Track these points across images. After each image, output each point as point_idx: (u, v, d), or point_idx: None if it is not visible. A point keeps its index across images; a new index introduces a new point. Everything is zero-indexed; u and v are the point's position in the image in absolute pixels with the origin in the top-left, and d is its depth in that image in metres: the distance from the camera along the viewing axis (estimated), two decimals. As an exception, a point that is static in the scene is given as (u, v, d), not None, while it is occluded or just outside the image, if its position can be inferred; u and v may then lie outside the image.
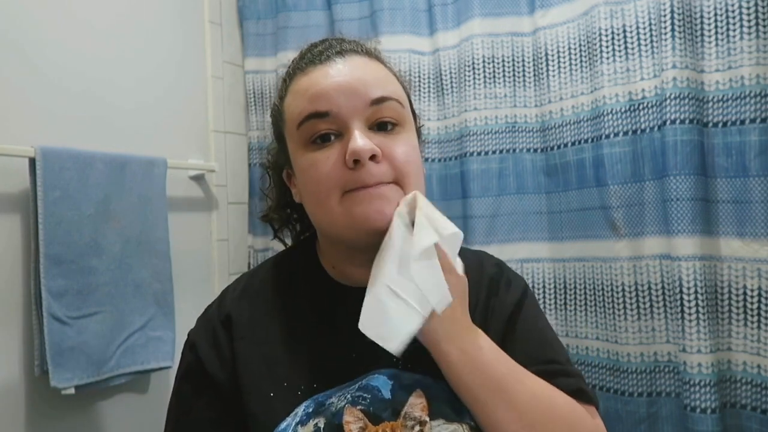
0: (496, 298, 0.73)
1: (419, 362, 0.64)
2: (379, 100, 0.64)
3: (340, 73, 0.65)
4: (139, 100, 1.46)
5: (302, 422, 0.62)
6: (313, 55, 0.67)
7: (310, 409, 0.63)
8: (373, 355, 0.63)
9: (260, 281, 0.75)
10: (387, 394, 0.63)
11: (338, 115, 0.63)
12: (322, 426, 0.62)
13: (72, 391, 1.18)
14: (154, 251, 1.39)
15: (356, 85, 0.64)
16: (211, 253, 1.68)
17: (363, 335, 0.62)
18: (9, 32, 1.19)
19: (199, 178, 1.64)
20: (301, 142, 0.65)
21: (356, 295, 0.61)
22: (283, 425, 0.62)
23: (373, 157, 0.62)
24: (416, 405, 0.63)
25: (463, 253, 0.75)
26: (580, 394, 0.66)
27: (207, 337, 0.71)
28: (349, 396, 0.63)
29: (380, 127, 0.65)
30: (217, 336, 0.70)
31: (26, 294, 1.19)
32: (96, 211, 1.25)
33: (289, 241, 0.84)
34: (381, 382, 0.64)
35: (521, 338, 0.69)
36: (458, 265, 0.65)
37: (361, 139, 0.61)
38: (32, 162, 1.16)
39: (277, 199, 0.80)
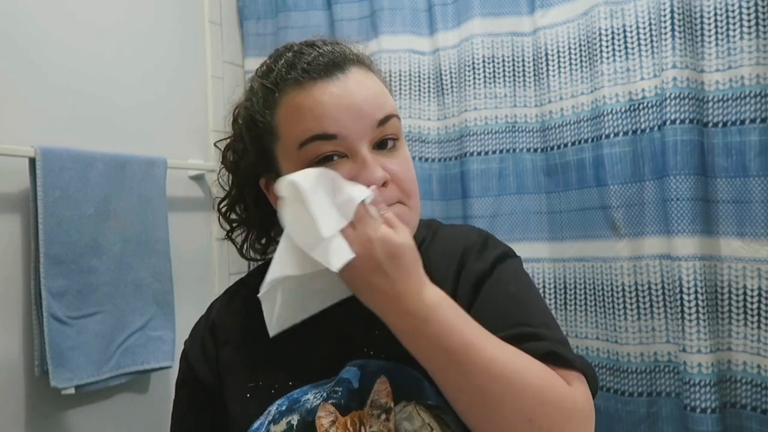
0: (465, 267, 0.70)
1: (390, 349, 0.63)
2: (384, 120, 0.64)
3: (345, 92, 0.63)
4: (139, 100, 1.46)
5: (275, 420, 0.62)
6: (309, 67, 0.64)
7: (284, 407, 0.63)
8: (349, 350, 0.65)
9: (246, 286, 0.77)
10: (356, 384, 0.63)
11: (346, 138, 0.62)
12: (295, 423, 0.62)
13: (72, 391, 1.18)
14: (154, 251, 1.39)
15: (363, 107, 0.62)
16: (211, 253, 1.68)
17: (339, 332, 0.64)
18: (9, 32, 1.19)
19: (199, 178, 1.64)
20: (301, 163, 0.63)
21: None
22: (255, 425, 0.63)
23: (383, 184, 0.62)
24: (381, 392, 0.63)
25: (452, 229, 0.76)
26: (553, 358, 0.59)
27: (196, 345, 0.73)
28: (324, 393, 0.64)
29: (381, 144, 0.65)
30: (205, 344, 0.72)
31: (26, 294, 1.18)
32: (96, 211, 1.25)
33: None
34: (351, 374, 0.64)
35: (487, 303, 0.65)
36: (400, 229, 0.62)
37: (376, 171, 0.61)
38: (32, 162, 1.16)
39: (236, 199, 0.77)
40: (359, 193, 0.59)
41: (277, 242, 0.70)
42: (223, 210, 0.77)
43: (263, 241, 0.78)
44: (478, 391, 0.56)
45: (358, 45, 0.71)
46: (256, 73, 0.70)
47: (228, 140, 0.75)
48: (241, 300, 0.75)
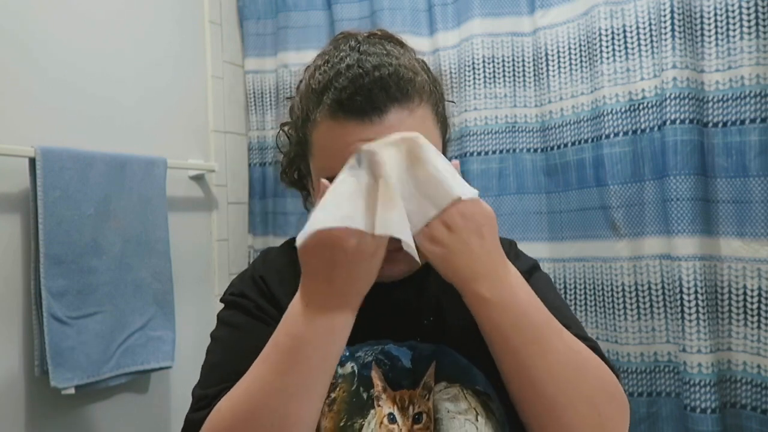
0: None
1: (431, 333, 0.68)
2: None
3: (376, 137, 0.60)
4: (139, 99, 1.46)
5: (341, 363, 0.66)
6: (346, 101, 0.61)
7: (347, 353, 0.67)
8: (396, 327, 0.69)
9: (283, 253, 0.78)
10: (408, 364, 0.67)
11: None
12: (356, 371, 0.67)
13: (72, 391, 1.18)
14: (154, 251, 1.39)
15: None
16: (211, 253, 1.68)
17: (387, 303, 0.66)
18: (9, 33, 1.19)
19: (199, 178, 1.64)
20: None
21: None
22: None
23: None
24: (431, 375, 0.67)
25: None
26: (597, 354, 0.63)
27: (251, 285, 0.73)
28: (373, 355, 0.67)
29: None
30: (258, 285, 0.73)
31: (26, 294, 1.19)
32: (96, 211, 1.25)
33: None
34: (401, 353, 0.67)
35: None
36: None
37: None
38: (32, 162, 1.16)
39: (292, 162, 0.78)
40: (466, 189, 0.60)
41: None
42: (284, 167, 0.78)
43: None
44: (553, 370, 0.58)
45: (416, 64, 0.68)
46: (314, 66, 0.68)
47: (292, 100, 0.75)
48: (281, 263, 0.75)
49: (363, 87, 0.61)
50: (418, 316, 0.70)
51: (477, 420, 0.64)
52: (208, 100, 1.69)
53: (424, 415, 0.65)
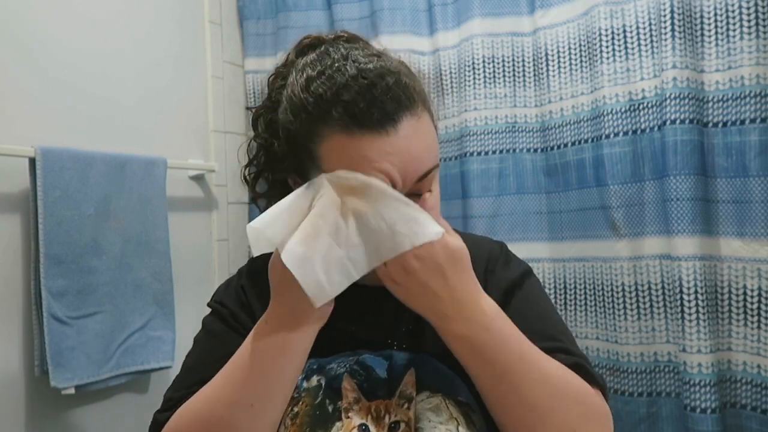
0: (494, 273, 0.72)
1: (417, 345, 0.68)
2: (425, 174, 0.63)
3: (393, 150, 0.60)
4: (139, 99, 1.46)
5: (307, 377, 0.67)
6: (359, 114, 0.59)
7: (315, 366, 0.67)
8: (371, 338, 0.69)
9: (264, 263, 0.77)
10: (383, 374, 0.67)
11: None
12: (323, 384, 0.67)
13: (72, 391, 1.18)
14: (154, 251, 1.39)
15: (409, 164, 0.61)
16: (211, 253, 1.68)
17: (363, 313, 0.67)
18: (9, 32, 1.19)
19: (199, 178, 1.64)
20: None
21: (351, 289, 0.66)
22: None
23: None
24: (408, 383, 0.66)
25: (471, 236, 0.78)
26: (582, 372, 0.63)
27: (232, 294, 0.76)
28: (347, 366, 0.67)
29: (417, 191, 0.64)
30: (238, 294, 0.75)
31: (26, 294, 1.18)
32: (96, 211, 1.25)
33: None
34: (376, 363, 0.67)
35: (519, 312, 0.66)
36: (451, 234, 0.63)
37: None
38: (32, 162, 1.16)
39: (262, 171, 0.78)
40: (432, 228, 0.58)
41: None
42: (250, 177, 0.78)
43: None
44: (529, 401, 0.58)
45: (408, 69, 0.68)
46: (303, 77, 0.64)
47: (261, 110, 0.74)
48: (260, 274, 0.74)
49: (375, 99, 0.59)
50: (398, 324, 0.70)
51: (458, 430, 0.64)
52: (208, 100, 1.68)
53: (402, 424, 0.64)
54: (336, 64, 0.62)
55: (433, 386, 0.66)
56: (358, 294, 0.63)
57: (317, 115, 0.61)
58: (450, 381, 0.66)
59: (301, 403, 0.65)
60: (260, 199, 0.78)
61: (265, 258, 0.75)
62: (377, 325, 0.70)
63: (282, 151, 0.69)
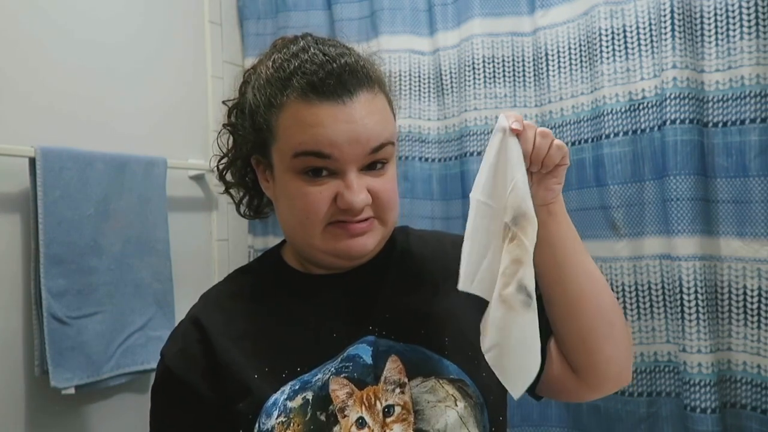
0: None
1: (398, 332, 0.70)
2: (378, 148, 0.66)
3: (348, 119, 0.64)
4: (139, 99, 1.46)
5: (290, 398, 0.66)
6: (319, 84, 0.64)
7: (297, 387, 0.67)
8: (353, 330, 0.70)
9: (224, 288, 0.79)
10: (369, 360, 0.68)
11: (338, 160, 0.65)
12: (310, 398, 0.66)
13: (72, 391, 1.18)
14: (154, 251, 1.39)
15: (362, 136, 0.64)
16: (211, 253, 1.68)
17: (339, 314, 0.70)
18: (9, 33, 1.19)
19: (199, 178, 1.64)
20: (292, 170, 0.67)
21: (323, 281, 0.74)
22: (271, 400, 0.66)
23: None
24: (393, 369, 0.68)
25: (423, 234, 0.83)
26: None
27: (174, 346, 0.73)
28: (333, 369, 0.67)
29: (370, 166, 0.68)
30: (186, 337, 0.72)
31: (26, 294, 1.19)
32: (96, 211, 1.25)
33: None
34: (362, 350, 0.69)
35: None
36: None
37: (358, 194, 0.65)
38: (32, 162, 1.16)
39: (232, 161, 0.79)
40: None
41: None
42: (221, 168, 0.80)
43: (255, 202, 0.82)
44: (596, 273, 0.72)
45: (370, 57, 0.72)
46: (270, 60, 0.69)
47: (234, 102, 0.76)
48: (223, 298, 0.76)
49: (333, 71, 0.64)
50: (374, 312, 0.72)
51: (456, 405, 0.66)
52: (208, 100, 1.69)
53: (397, 407, 0.65)
54: (299, 47, 0.68)
55: (424, 371, 0.68)
56: (326, 287, 0.70)
57: (279, 86, 0.66)
58: (437, 363, 0.69)
59: (292, 424, 0.64)
60: (232, 189, 0.81)
61: (219, 285, 0.79)
62: (356, 316, 0.72)
63: (246, 132, 0.72)
